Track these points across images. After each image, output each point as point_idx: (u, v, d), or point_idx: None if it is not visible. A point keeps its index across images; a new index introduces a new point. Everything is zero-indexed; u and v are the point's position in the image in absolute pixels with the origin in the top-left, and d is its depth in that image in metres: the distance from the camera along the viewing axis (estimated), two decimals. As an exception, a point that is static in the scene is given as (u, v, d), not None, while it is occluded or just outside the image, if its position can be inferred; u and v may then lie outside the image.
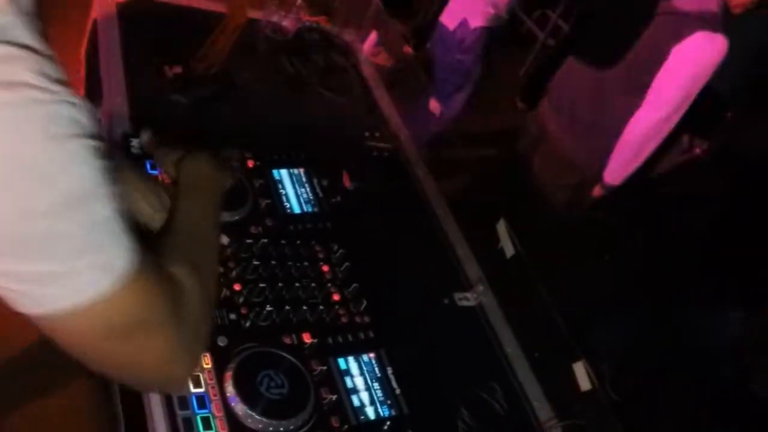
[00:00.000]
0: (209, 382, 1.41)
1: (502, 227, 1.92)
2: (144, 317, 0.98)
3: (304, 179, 1.91)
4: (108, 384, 1.62)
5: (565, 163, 2.89)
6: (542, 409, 1.76)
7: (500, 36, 3.84)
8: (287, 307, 1.58)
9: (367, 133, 2.22)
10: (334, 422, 1.46)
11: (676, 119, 2.68)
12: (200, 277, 1.15)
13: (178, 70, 2.03)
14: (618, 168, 2.82)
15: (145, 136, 1.66)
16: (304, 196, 1.87)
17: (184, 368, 1.10)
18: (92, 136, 0.84)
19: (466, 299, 1.89)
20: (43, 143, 0.79)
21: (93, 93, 2.01)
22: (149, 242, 1.06)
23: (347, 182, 1.99)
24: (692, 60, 2.55)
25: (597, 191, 2.87)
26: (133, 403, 1.44)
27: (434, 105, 3.32)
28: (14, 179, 0.78)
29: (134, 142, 1.75)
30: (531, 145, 3.05)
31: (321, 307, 1.62)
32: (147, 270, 0.96)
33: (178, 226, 1.27)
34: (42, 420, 2.38)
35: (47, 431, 2.40)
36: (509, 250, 1.90)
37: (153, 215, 1.46)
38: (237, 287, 1.57)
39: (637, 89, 2.67)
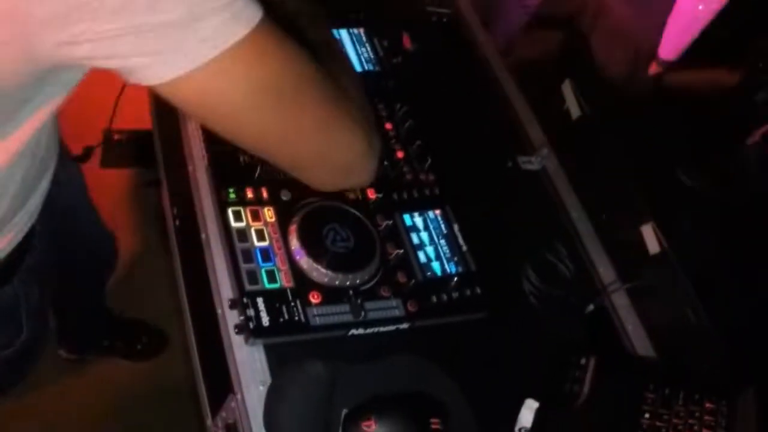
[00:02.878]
0: (273, 235, 1.39)
1: (567, 87, 1.86)
2: (289, 77, 0.95)
3: (364, 39, 1.85)
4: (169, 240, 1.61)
5: (623, 38, 2.80)
6: (607, 273, 1.73)
7: None
8: (350, 162, 1.55)
9: (425, -3, 2.16)
10: (401, 277, 1.44)
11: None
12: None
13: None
14: (672, 41, 2.72)
15: None
16: (365, 55, 1.82)
17: (362, 144, 1.09)
18: None
19: (530, 163, 1.85)
20: None
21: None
22: None
23: (407, 44, 1.93)
24: None
25: (653, 68, 2.78)
26: (195, 257, 1.43)
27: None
28: None
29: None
30: (590, 19, 2.95)
31: (385, 163, 1.59)
32: (279, 32, 0.93)
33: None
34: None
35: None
36: (575, 111, 1.84)
37: None
38: (299, 142, 1.54)
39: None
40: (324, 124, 1.03)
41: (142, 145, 2.76)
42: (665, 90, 2.17)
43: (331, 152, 1.09)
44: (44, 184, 1.31)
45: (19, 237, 1.30)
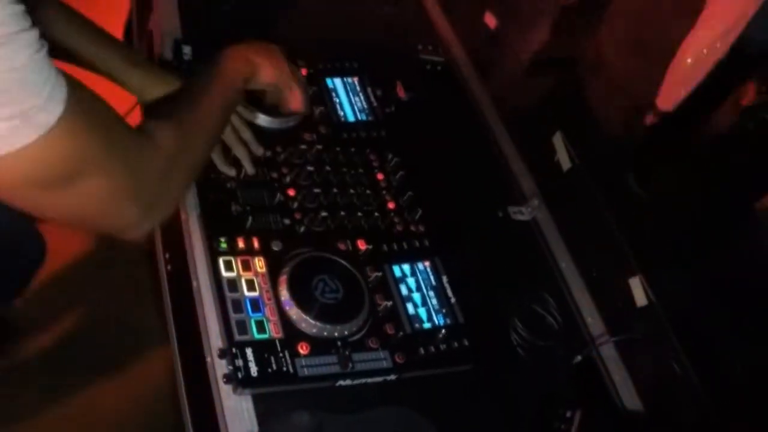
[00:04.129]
0: (263, 286, 1.40)
1: (558, 140, 1.87)
2: (75, 166, 0.96)
3: (358, 88, 1.88)
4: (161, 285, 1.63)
5: (620, 89, 2.82)
6: (595, 324, 1.74)
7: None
8: (342, 213, 1.56)
9: (420, 46, 2.18)
10: (389, 329, 1.45)
11: (731, 40, 2.59)
12: (182, 135, 1.16)
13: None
14: (670, 92, 2.74)
15: None
16: (359, 104, 1.84)
17: (139, 213, 1.11)
18: None
19: (521, 213, 1.86)
20: None
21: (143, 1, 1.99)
22: None
23: (401, 93, 1.95)
24: None
25: (650, 118, 2.80)
26: (186, 305, 1.44)
27: (489, 18, 3.21)
28: None
29: (186, 49, 1.73)
30: (588, 69, 2.97)
31: (376, 215, 1.60)
32: (80, 115, 0.94)
33: (184, 92, 1.30)
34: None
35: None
36: (566, 164, 1.86)
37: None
38: (291, 192, 1.56)
39: (693, 11, 2.59)
40: (96, 205, 1.05)
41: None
42: (658, 142, 2.19)
43: (96, 224, 1.16)
44: None
45: None
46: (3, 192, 0.96)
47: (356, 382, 1.38)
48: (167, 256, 1.63)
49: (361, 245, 1.54)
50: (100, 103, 1.02)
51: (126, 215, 1.10)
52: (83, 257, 2.75)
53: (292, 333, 1.36)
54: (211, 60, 1.44)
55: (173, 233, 1.55)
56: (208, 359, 1.34)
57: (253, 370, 1.29)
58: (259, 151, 1.59)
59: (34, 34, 0.85)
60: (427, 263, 1.58)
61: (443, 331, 1.49)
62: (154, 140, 1.12)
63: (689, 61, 2.58)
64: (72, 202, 1.01)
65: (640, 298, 1.68)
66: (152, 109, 1.16)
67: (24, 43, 0.83)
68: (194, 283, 1.42)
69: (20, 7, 0.83)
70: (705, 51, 2.55)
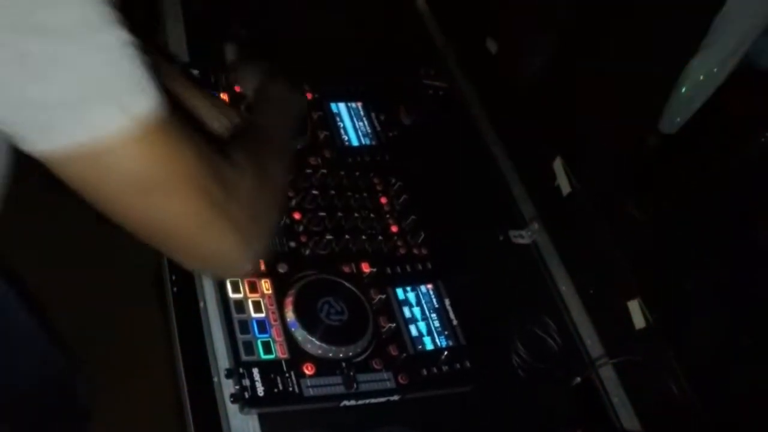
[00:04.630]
0: (270, 307, 1.42)
1: (558, 165, 1.90)
2: (166, 173, 0.90)
3: (361, 113, 1.91)
4: (166, 306, 1.65)
5: (620, 113, 2.83)
6: (594, 347, 1.76)
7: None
8: (346, 237, 1.59)
9: (422, 72, 2.20)
10: (393, 350, 1.47)
11: (733, 63, 2.62)
12: (258, 171, 1.11)
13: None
14: (673, 115, 2.75)
15: (231, 50, 1.70)
16: (362, 129, 1.87)
17: (241, 240, 1.03)
18: None
19: (521, 237, 1.89)
20: None
21: (152, 22, 2.01)
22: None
23: (404, 117, 1.98)
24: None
25: (652, 142, 2.81)
26: (193, 325, 1.46)
27: (490, 43, 3.24)
28: None
29: (194, 72, 1.76)
30: (587, 93, 2.98)
31: (379, 238, 1.63)
32: (173, 127, 0.89)
33: (249, 132, 1.28)
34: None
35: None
36: (565, 188, 1.88)
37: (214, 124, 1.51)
38: (297, 216, 1.58)
39: (695, 36, 2.61)
40: (193, 222, 0.99)
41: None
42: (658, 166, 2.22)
43: (194, 247, 1.04)
44: None
45: None
46: (92, 188, 0.89)
47: (360, 402, 1.40)
48: (173, 277, 1.65)
49: (365, 268, 1.57)
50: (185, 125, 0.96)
51: (228, 241, 1.02)
52: (83, 257, 2.78)
53: (297, 354, 1.39)
54: (263, 98, 1.50)
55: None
56: (215, 379, 1.36)
57: (260, 390, 1.31)
58: None
59: (125, 33, 0.81)
60: (429, 286, 1.61)
61: (445, 352, 1.51)
62: (240, 173, 1.06)
63: (702, 78, 2.60)
64: (156, 213, 0.94)
65: (639, 320, 1.70)
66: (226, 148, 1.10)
67: (124, 38, 0.81)
68: (201, 304, 1.45)
69: (118, 14, 0.80)
70: (715, 70, 2.58)
